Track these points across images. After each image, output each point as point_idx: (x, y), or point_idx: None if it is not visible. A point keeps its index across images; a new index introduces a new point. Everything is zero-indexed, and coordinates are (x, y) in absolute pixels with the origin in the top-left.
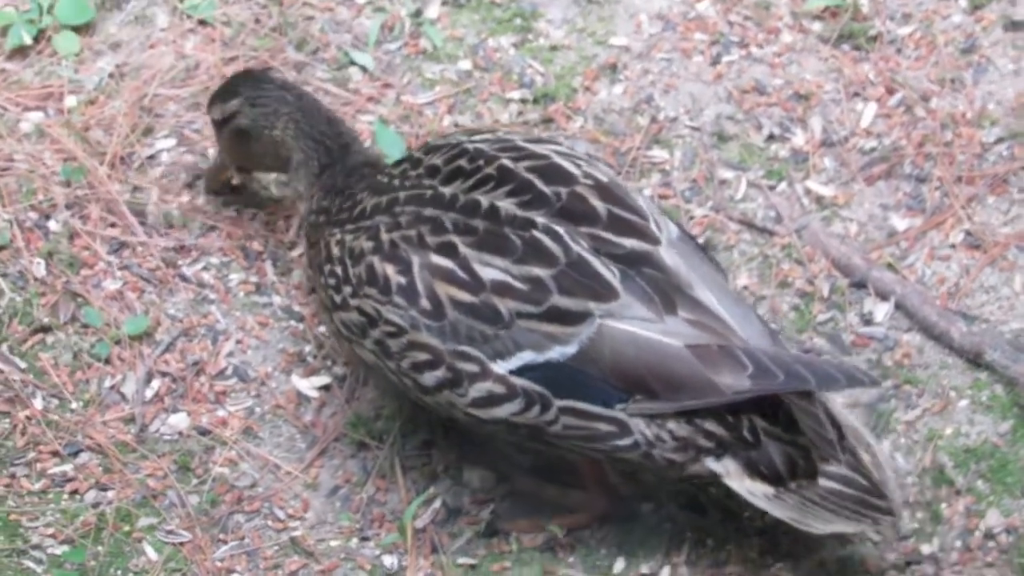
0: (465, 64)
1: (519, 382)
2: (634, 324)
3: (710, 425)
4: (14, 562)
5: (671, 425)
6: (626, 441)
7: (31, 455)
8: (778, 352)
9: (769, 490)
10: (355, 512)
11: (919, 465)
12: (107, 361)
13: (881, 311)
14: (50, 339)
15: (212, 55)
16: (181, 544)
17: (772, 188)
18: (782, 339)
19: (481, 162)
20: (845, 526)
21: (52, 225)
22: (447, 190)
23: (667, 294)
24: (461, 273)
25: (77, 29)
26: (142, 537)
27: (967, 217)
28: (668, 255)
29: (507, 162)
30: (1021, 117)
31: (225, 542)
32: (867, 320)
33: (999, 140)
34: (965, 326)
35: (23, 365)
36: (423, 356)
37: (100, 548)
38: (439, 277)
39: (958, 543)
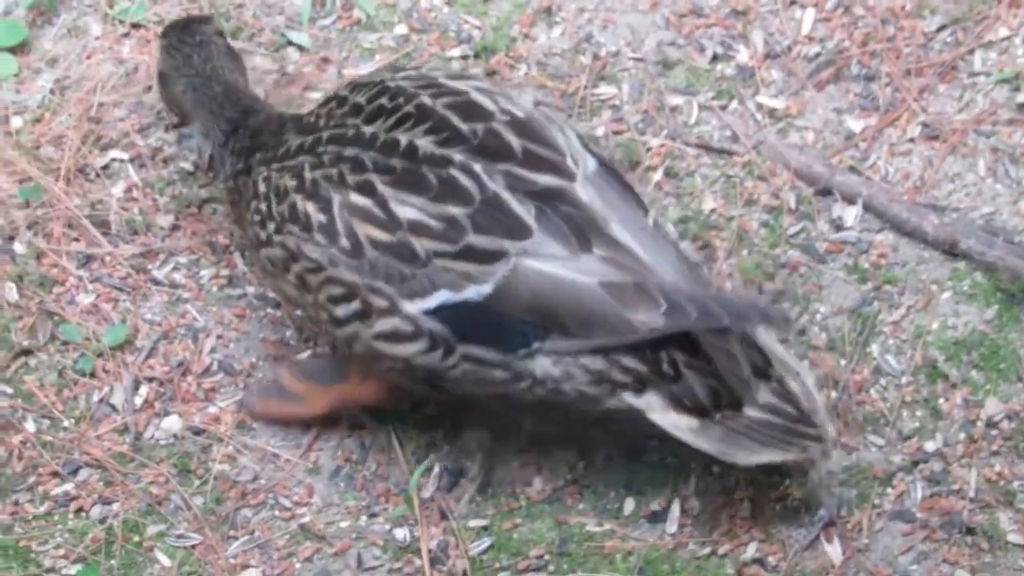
0: (401, 29)
1: (429, 324)
2: (549, 262)
3: (628, 360)
4: None
5: (585, 360)
6: (522, 384)
7: (31, 479)
8: (693, 289)
9: (693, 423)
10: (360, 490)
11: (911, 364)
12: (92, 375)
13: (851, 215)
14: (32, 361)
15: (149, 56)
16: (192, 547)
17: (724, 108)
18: (704, 272)
19: (401, 100)
20: (772, 455)
21: (17, 248)
22: (368, 129)
23: (582, 231)
24: (378, 212)
25: (12, 50)
26: (153, 545)
27: (921, 109)
28: (584, 191)
29: (426, 99)
30: (960, 2)
31: (236, 538)
32: (838, 226)
33: (941, 28)
34: (936, 218)
35: (9, 391)
36: (339, 290)
37: (113, 562)
38: (357, 216)
39: (961, 436)
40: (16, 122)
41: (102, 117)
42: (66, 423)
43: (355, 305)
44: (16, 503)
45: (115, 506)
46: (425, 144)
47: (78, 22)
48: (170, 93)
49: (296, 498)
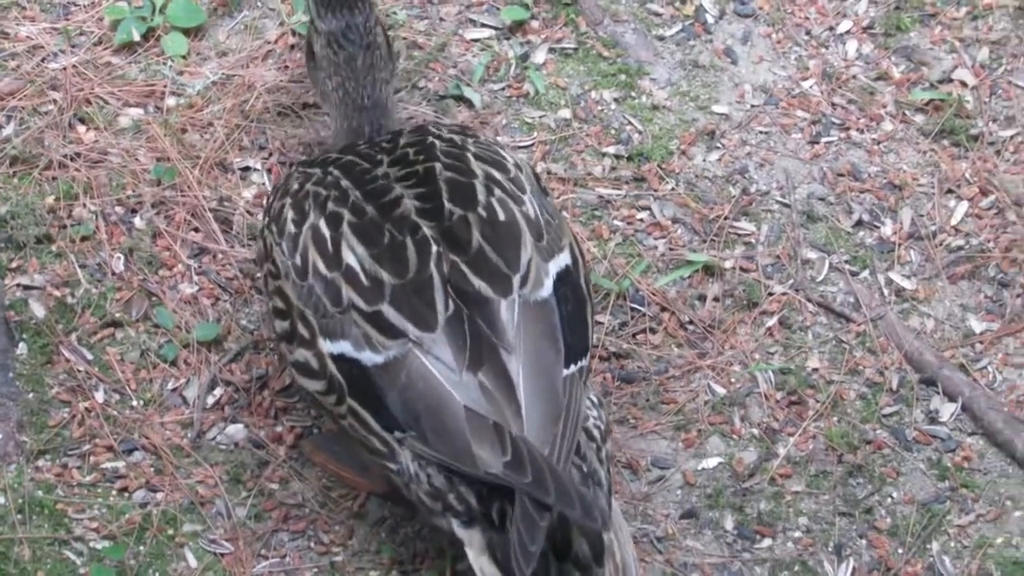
0: (565, 113)
1: (331, 366)
2: (434, 364)
3: (464, 489)
4: (55, 551)
5: (431, 470)
6: (393, 465)
7: (86, 447)
8: (543, 457)
9: (498, 575)
10: (398, 545)
11: (967, 570)
12: (173, 363)
13: (947, 411)
14: (120, 334)
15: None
16: (222, 555)
17: (854, 275)
18: (587, 442)
19: (422, 157)
20: None
21: (136, 222)
22: (382, 170)
23: (479, 350)
24: (329, 247)
25: (187, 32)
26: (184, 543)
27: None
28: (507, 311)
29: (437, 167)
30: None
31: (266, 558)
32: (932, 418)
33: None
34: None
35: (89, 357)
36: (281, 304)
37: (141, 548)
38: (314, 242)
39: None
40: (171, 101)
41: (254, 120)
42: (134, 402)
43: (286, 325)
44: (64, 466)
45: (159, 495)
46: (408, 205)
47: (256, 22)
48: (319, 79)
49: (334, 536)
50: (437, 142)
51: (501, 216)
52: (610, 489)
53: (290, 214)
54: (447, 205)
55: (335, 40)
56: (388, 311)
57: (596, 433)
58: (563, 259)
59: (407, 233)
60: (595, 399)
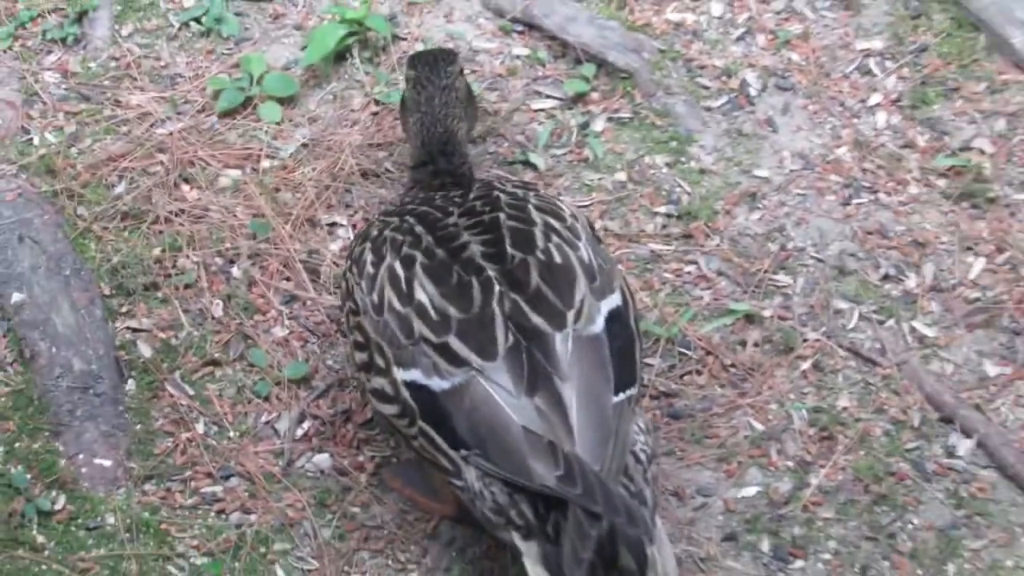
0: (621, 176)
1: (404, 392)
2: (495, 389)
3: (525, 507)
4: (159, 566)
5: (495, 488)
6: (459, 482)
7: (187, 473)
8: (593, 472)
9: None
10: (467, 564)
11: None
12: (266, 399)
13: (964, 446)
14: (218, 372)
15: (396, 135)
16: (309, 571)
17: (881, 323)
18: (634, 464)
19: (488, 208)
20: None
21: (234, 271)
22: (452, 220)
23: (536, 377)
24: (403, 285)
25: (281, 100)
26: (275, 560)
27: None
28: (562, 344)
29: (501, 216)
30: None
31: (348, 575)
32: (950, 453)
33: None
34: None
35: (191, 392)
36: (360, 338)
37: (236, 564)
38: (389, 281)
39: None
40: (265, 164)
41: (341, 180)
42: (231, 433)
43: (365, 356)
44: (168, 490)
45: (253, 517)
46: (474, 249)
47: (343, 92)
48: (405, 120)
49: (410, 555)
50: (502, 195)
51: (558, 259)
52: (655, 508)
53: (369, 257)
54: (509, 250)
55: (419, 82)
56: (454, 342)
57: (643, 456)
58: (614, 300)
59: (473, 274)
60: (644, 426)
